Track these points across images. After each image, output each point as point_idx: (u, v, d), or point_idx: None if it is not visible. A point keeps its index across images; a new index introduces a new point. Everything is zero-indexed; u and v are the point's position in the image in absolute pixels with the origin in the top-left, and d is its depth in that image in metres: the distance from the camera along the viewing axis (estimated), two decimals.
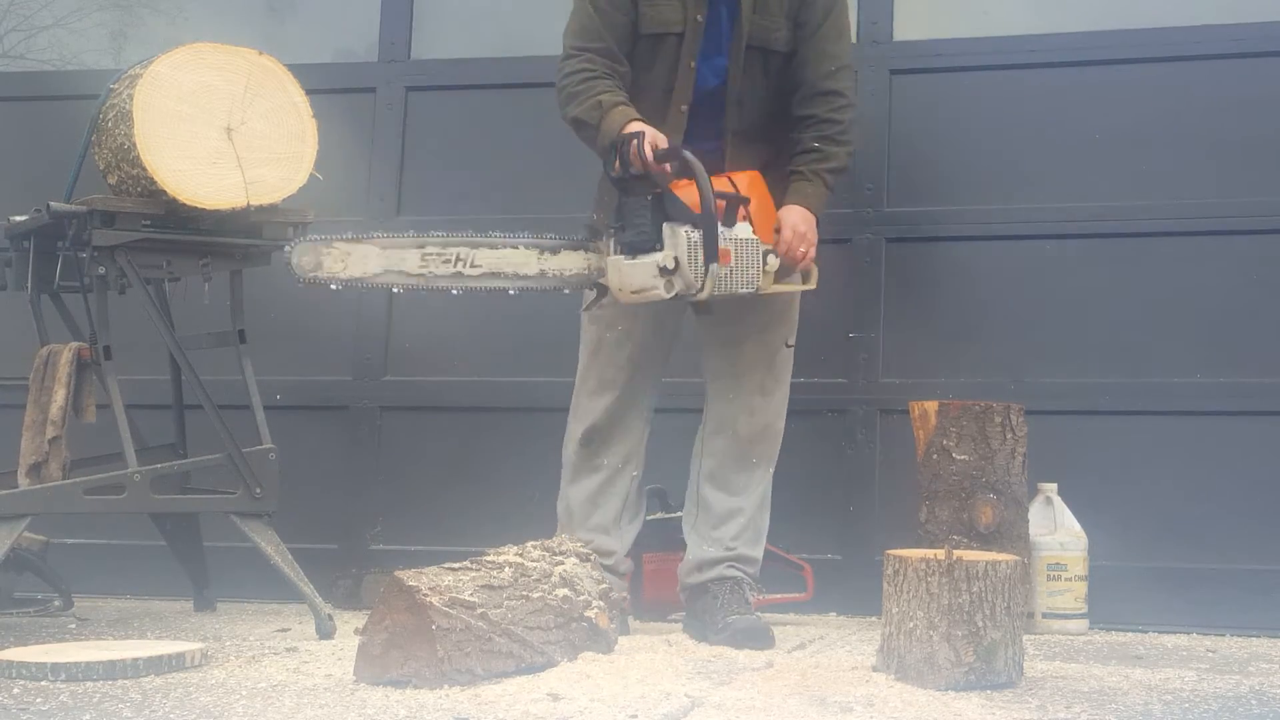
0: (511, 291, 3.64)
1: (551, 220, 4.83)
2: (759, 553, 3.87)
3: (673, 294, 3.41)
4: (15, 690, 2.94)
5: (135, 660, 3.13)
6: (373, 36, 5.10)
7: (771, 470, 3.88)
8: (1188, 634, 4.11)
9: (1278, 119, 4.40)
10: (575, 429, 3.90)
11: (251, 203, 3.92)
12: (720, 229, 3.39)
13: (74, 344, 4.00)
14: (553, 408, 4.66)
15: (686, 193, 3.44)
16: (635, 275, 3.46)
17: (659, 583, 4.24)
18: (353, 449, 4.87)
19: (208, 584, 4.40)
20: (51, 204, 3.82)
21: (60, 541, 4.51)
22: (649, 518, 4.27)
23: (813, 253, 3.63)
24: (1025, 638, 3.22)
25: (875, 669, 3.20)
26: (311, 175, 4.01)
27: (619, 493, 3.86)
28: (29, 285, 4.08)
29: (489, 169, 4.94)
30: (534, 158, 4.91)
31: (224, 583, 4.46)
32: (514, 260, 3.63)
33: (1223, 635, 4.07)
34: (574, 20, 3.79)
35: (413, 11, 5.08)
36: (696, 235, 3.38)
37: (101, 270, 3.83)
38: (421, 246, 3.62)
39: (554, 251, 3.63)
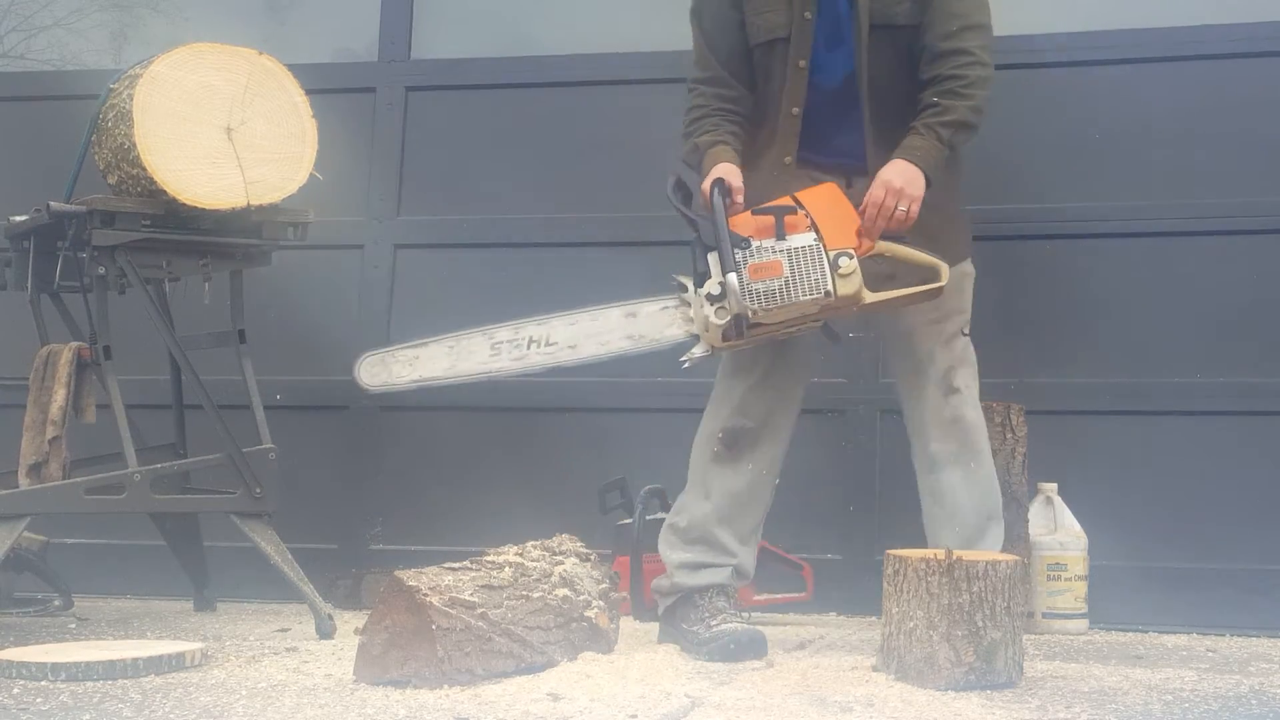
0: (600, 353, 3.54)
1: (551, 220, 4.86)
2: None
3: (725, 321, 3.34)
4: (15, 690, 2.94)
5: (135, 660, 3.13)
6: (373, 36, 5.10)
7: (980, 468, 3.60)
8: (1188, 634, 4.11)
9: (1278, 119, 4.40)
10: (711, 425, 3.67)
11: (251, 203, 3.92)
12: (767, 243, 3.33)
13: (74, 344, 4.00)
14: (553, 408, 4.67)
15: (731, 223, 3.39)
16: (698, 313, 3.39)
17: None
18: (353, 449, 4.87)
19: (208, 584, 4.40)
20: (51, 204, 3.82)
21: (60, 541, 4.51)
22: (649, 517, 4.27)
23: (913, 210, 3.35)
24: (1025, 638, 3.22)
25: (875, 669, 3.20)
26: (311, 175, 4.01)
27: (762, 500, 3.63)
28: (29, 285, 4.09)
29: (489, 169, 4.94)
30: (534, 158, 4.91)
31: (224, 583, 4.46)
32: (594, 330, 3.54)
33: (1223, 635, 4.07)
34: (693, 50, 3.71)
35: (413, 11, 5.08)
36: (740, 256, 3.33)
37: (101, 270, 3.83)
38: (491, 337, 3.58)
39: (637, 314, 3.53)
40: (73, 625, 4.05)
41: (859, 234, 3.37)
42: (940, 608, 3.02)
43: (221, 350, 4.07)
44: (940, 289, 3.40)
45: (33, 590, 4.33)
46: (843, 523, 4.51)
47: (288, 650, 3.57)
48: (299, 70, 4.05)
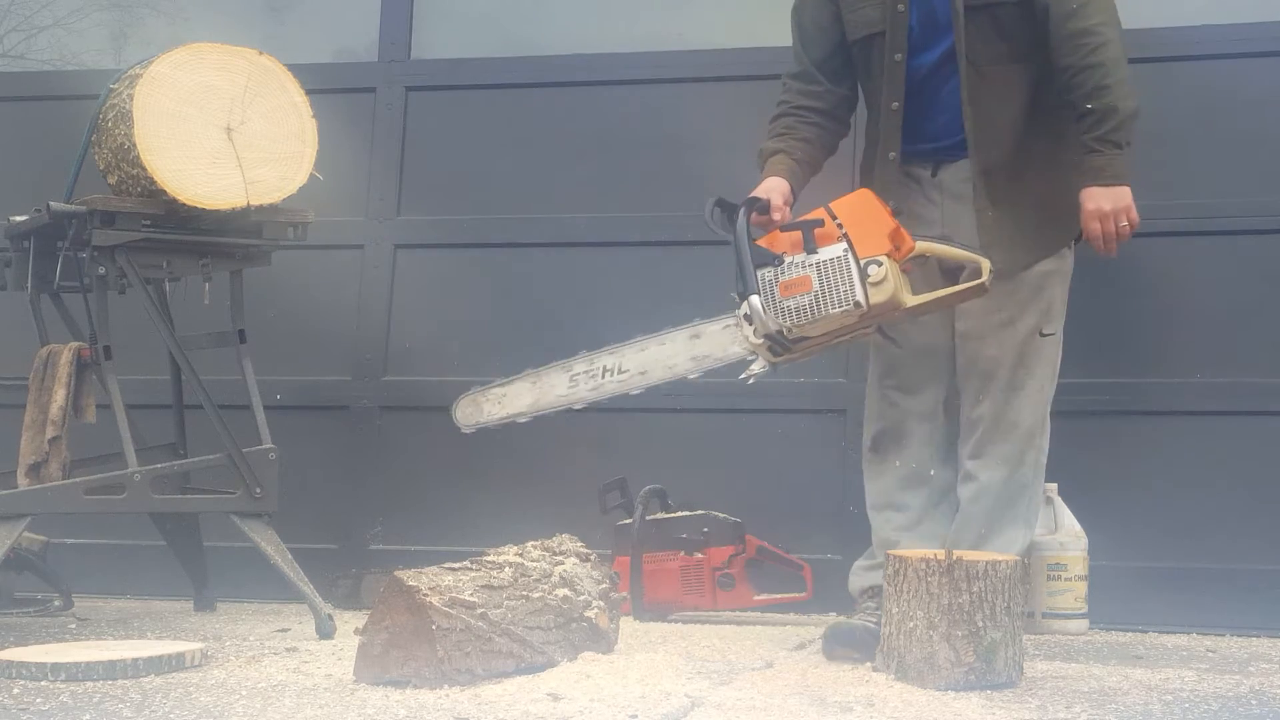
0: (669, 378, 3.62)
1: (551, 220, 4.86)
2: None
3: (763, 337, 3.33)
4: (15, 690, 2.94)
5: (135, 660, 3.14)
6: (373, 36, 5.10)
7: (1025, 476, 3.55)
8: (1187, 634, 4.11)
9: (1278, 119, 4.40)
10: (865, 433, 3.73)
11: (251, 203, 3.92)
12: (798, 258, 3.31)
13: (74, 344, 4.00)
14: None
15: (765, 240, 3.39)
16: (744, 332, 3.39)
17: (659, 583, 4.24)
18: (353, 449, 4.87)
19: (208, 584, 4.40)
20: (51, 204, 3.82)
21: (60, 541, 4.51)
22: (649, 517, 4.28)
23: (1131, 217, 3.37)
24: (1025, 638, 3.22)
25: (875, 669, 3.20)
26: (311, 175, 4.01)
27: (920, 492, 3.63)
28: (29, 285, 4.08)
29: (489, 169, 4.94)
30: (534, 158, 4.91)
31: (224, 582, 4.46)
32: (662, 355, 3.60)
33: (1222, 635, 4.07)
34: (792, 46, 3.72)
35: (413, 11, 5.08)
36: (770, 274, 3.33)
37: (101, 270, 3.83)
38: (569, 369, 3.67)
39: (701, 336, 3.57)
40: (73, 625, 4.05)
41: (893, 237, 3.33)
42: (940, 608, 3.02)
43: (221, 350, 4.08)
44: (984, 286, 3.34)
45: (33, 590, 4.33)
46: (843, 523, 4.50)
47: (288, 650, 3.57)
48: (299, 70, 4.05)
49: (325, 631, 3.81)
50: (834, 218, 3.34)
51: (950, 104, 3.49)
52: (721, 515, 4.28)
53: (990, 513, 3.53)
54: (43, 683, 3.03)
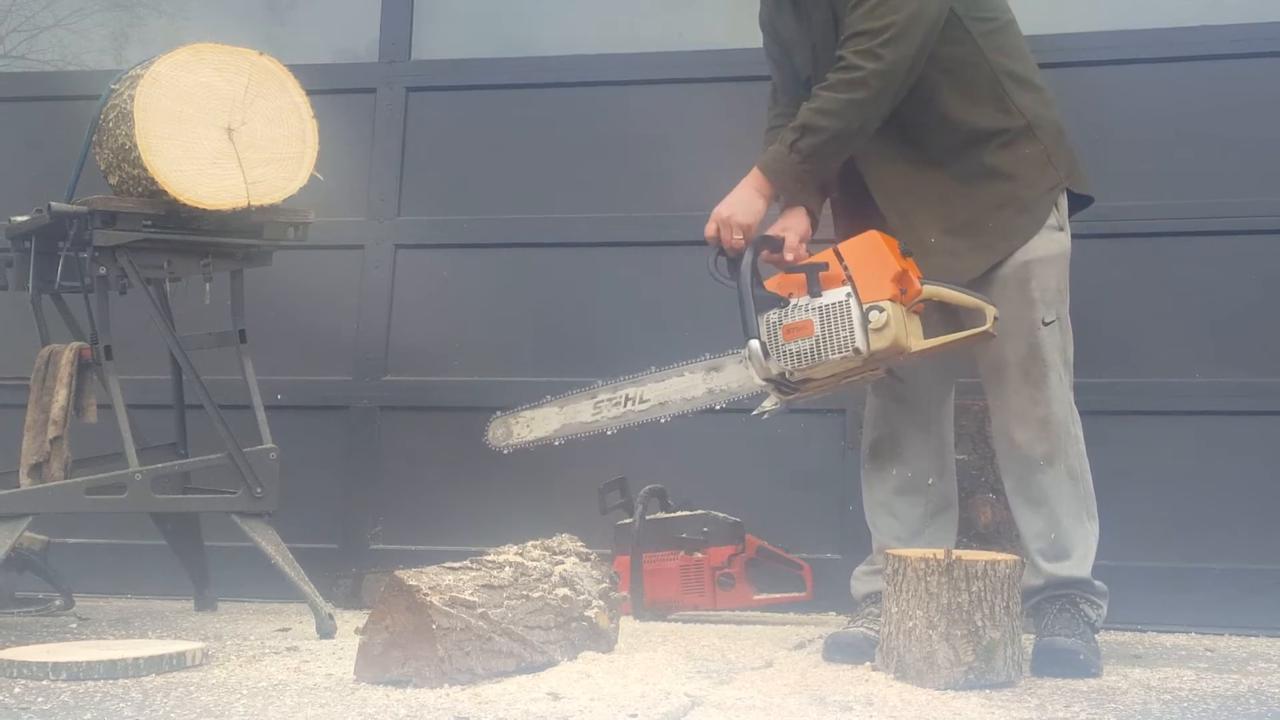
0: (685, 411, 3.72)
1: (551, 220, 4.87)
2: (1085, 570, 3.46)
3: (768, 379, 3.33)
4: (16, 689, 2.95)
5: (136, 659, 3.14)
6: (373, 37, 5.11)
7: (1072, 467, 3.45)
8: (1186, 633, 4.11)
9: (1278, 119, 4.41)
10: (864, 440, 3.72)
11: (252, 203, 3.92)
12: (802, 301, 3.31)
13: (75, 344, 4.01)
14: None
15: (773, 282, 3.40)
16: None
17: (659, 583, 4.25)
18: (353, 449, 4.88)
19: (208, 583, 4.41)
20: (53, 204, 3.82)
21: (61, 541, 4.51)
22: (649, 517, 4.28)
23: (732, 221, 3.38)
24: (1025, 637, 3.22)
25: (875, 668, 3.20)
26: (312, 175, 4.01)
27: (917, 501, 3.61)
28: (30, 285, 4.09)
29: (489, 169, 4.94)
30: (534, 158, 4.91)
31: (225, 582, 4.46)
32: (680, 386, 3.67)
33: (1221, 635, 4.08)
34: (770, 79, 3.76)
35: (413, 11, 5.08)
36: (775, 316, 3.33)
37: (102, 270, 3.83)
38: (593, 397, 3.79)
39: (719, 369, 3.62)
40: (74, 625, 4.05)
41: (897, 281, 3.29)
42: (940, 607, 3.02)
43: (222, 350, 4.08)
44: (989, 333, 3.33)
45: (34, 590, 4.33)
46: (842, 522, 4.50)
47: (288, 649, 3.57)
48: (299, 71, 4.05)
49: (326, 631, 3.82)
50: (840, 260, 3.32)
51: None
52: (721, 515, 4.29)
53: (1055, 513, 3.45)
54: (44, 682, 3.03)
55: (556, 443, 3.99)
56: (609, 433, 3.81)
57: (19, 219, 4.02)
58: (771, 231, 3.47)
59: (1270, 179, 4.39)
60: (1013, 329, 3.42)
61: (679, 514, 4.31)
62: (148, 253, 3.90)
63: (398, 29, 5.06)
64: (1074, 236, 3.71)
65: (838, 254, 3.34)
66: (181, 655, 3.23)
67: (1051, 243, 3.44)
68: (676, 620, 4.22)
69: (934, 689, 3.00)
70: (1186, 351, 4.40)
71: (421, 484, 4.79)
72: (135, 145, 3.81)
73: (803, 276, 3.33)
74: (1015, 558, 3.18)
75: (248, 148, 3.93)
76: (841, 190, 3.58)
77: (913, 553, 3.13)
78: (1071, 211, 3.54)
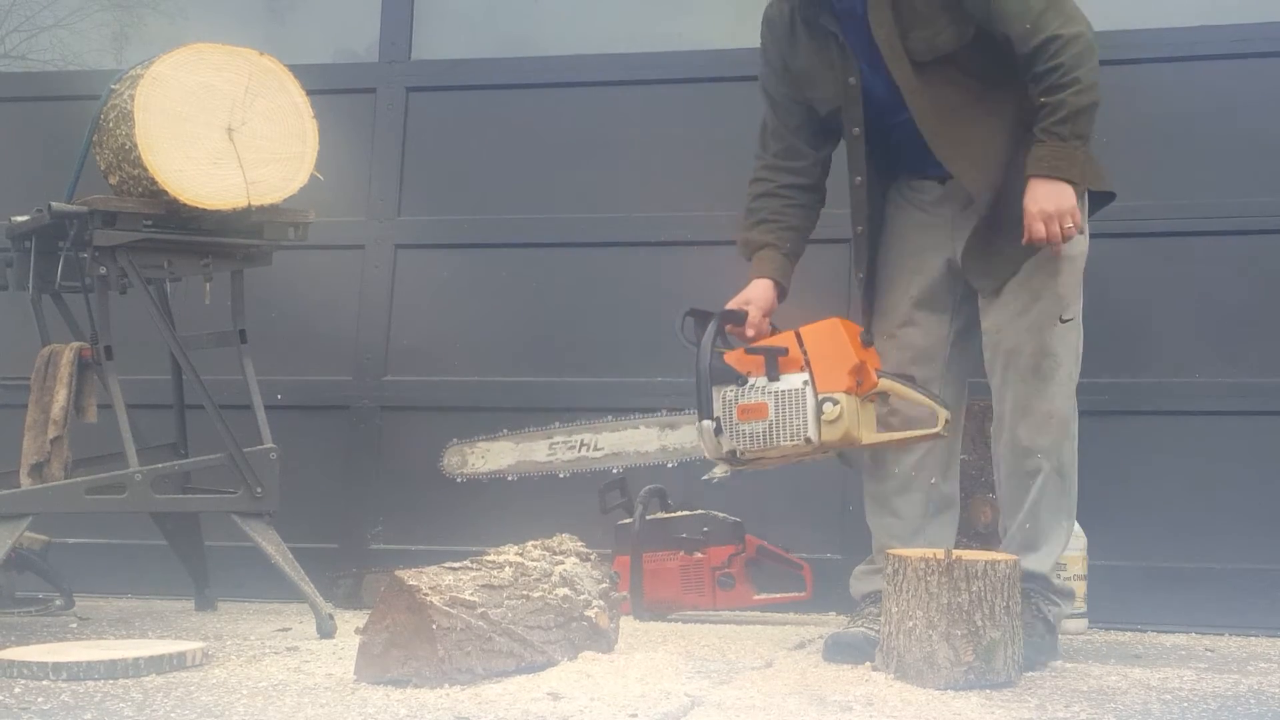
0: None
1: (551, 220, 4.87)
2: (1046, 566, 3.49)
3: (718, 457, 3.35)
4: (16, 689, 2.95)
5: (136, 659, 3.14)
6: (373, 36, 5.11)
7: (1064, 465, 3.46)
8: (1186, 633, 4.11)
9: (1278, 119, 4.41)
10: None
11: (253, 203, 3.92)
12: (759, 381, 3.32)
13: (75, 344, 4.00)
14: (553, 408, 4.68)
15: (732, 356, 3.40)
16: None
17: (659, 583, 4.25)
18: (353, 449, 4.88)
19: (208, 583, 4.41)
20: (53, 204, 3.82)
21: (61, 541, 4.51)
22: (649, 517, 4.28)
23: (1075, 219, 3.29)
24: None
25: (875, 668, 3.20)
26: (312, 175, 4.01)
27: (918, 500, 3.60)
28: (30, 285, 4.09)
29: (489, 169, 4.94)
30: (535, 158, 4.92)
31: (225, 582, 4.47)
32: (635, 439, 3.74)
33: (1221, 635, 4.08)
34: (764, 122, 3.67)
35: (413, 11, 5.08)
36: (732, 394, 3.34)
37: (103, 270, 3.83)
38: (549, 437, 3.86)
39: (674, 427, 3.68)
40: (74, 625, 4.05)
41: (854, 373, 3.32)
42: (939, 607, 3.02)
43: (222, 350, 4.08)
44: (937, 434, 3.39)
45: (34, 590, 4.33)
46: (842, 523, 4.50)
47: (289, 649, 3.57)
48: (300, 71, 4.05)
49: (326, 631, 3.82)
50: (801, 345, 3.34)
51: (923, 152, 3.47)
52: (721, 515, 4.29)
53: (1036, 505, 3.48)
54: (44, 682, 3.03)
55: (510, 478, 4.08)
56: (561, 475, 3.90)
57: (19, 219, 4.02)
58: (734, 305, 3.49)
59: (1270, 179, 4.39)
60: (1032, 322, 3.43)
61: (679, 514, 4.31)
62: (148, 253, 3.90)
63: (398, 29, 5.06)
64: None
65: (799, 338, 3.36)
66: (181, 655, 3.23)
67: (1076, 242, 3.45)
68: (676, 620, 4.22)
69: (934, 689, 3.00)
70: (1187, 351, 4.40)
71: (421, 484, 4.78)
72: (135, 145, 3.81)
73: (756, 360, 3.33)
74: (1015, 557, 3.18)
75: (248, 148, 3.93)
76: (869, 224, 3.56)
77: (913, 553, 3.13)
78: (1095, 209, 3.55)
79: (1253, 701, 3.02)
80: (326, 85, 4.48)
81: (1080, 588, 4.12)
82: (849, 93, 3.49)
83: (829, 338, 3.37)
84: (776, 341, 3.38)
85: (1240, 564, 4.25)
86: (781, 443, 3.32)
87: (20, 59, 5.81)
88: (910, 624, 3.06)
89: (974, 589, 3.02)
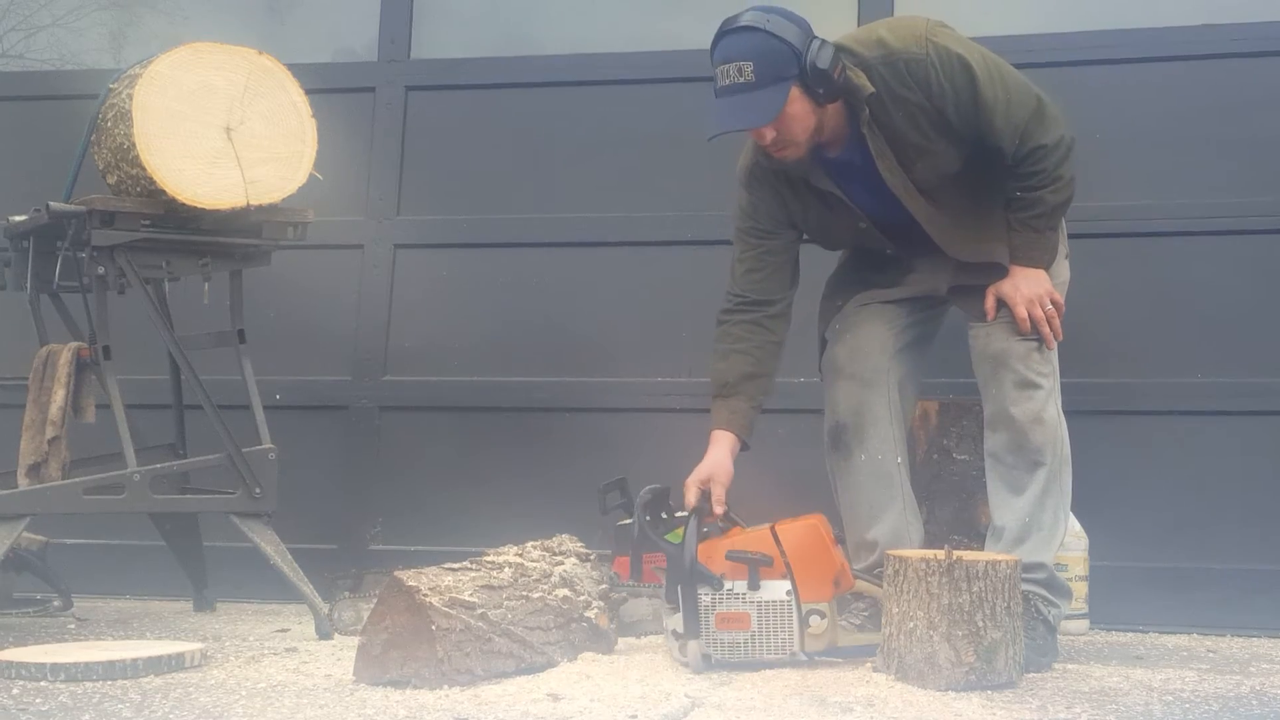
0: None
1: (551, 220, 4.86)
2: (1046, 556, 3.49)
3: (687, 661, 3.26)
4: (15, 690, 2.94)
5: (135, 660, 3.13)
6: (372, 36, 5.10)
7: (1055, 468, 3.48)
8: (1188, 634, 4.11)
9: (1278, 119, 4.40)
10: (824, 428, 3.71)
11: (251, 202, 3.91)
12: (739, 587, 3.25)
13: (73, 344, 4.00)
14: (552, 408, 4.68)
15: (704, 551, 3.29)
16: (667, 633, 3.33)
17: (659, 583, 4.23)
18: (353, 449, 4.87)
19: (207, 584, 4.40)
20: (51, 204, 3.81)
21: (60, 541, 4.50)
22: (649, 518, 4.26)
23: (1054, 297, 3.45)
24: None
25: (875, 669, 3.20)
26: (311, 175, 4.01)
27: (891, 484, 3.60)
28: (28, 285, 4.08)
29: (489, 169, 4.94)
30: (535, 158, 4.91)
31: (223, 583, 4.46)
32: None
33: (1223, 635, 4.07)
34: (738, 257, 3.66)
35: (413, 11, 5.07)
36: (709, 600, 3.24)
37: (101, 270, 3.83)
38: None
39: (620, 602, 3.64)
40: (72, 625, 4.05)
41: (835, 581, 3.29)
42: (940, 608, 3.02)
43: (221, 350, 4.07)
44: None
45: (32, 590, 4.33)
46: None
47: (287, 650, 3.57)
48: (299, 70, 4.05)
49: (325, 632, 3.81)
50: (781, 551, 3.27)
51: (920, 236, 3.56)
52: None
53: (1030, 507, 3.48)
54: (42, 683, 3.03)
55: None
56: None
57: (17, 219, 4.01)
58: (694, 479, 3.43)
59: (1269, 179, 4.39)
60: (1015, 327, 3.48)
61: (679, 513, 4.30)
62: (146, 252, 3.90)
63: (397, 28, 5.06)
64: (1071, 236, 3.72)
65: (777, 541, 3.28)
66: (180, 656, 3.22)
67: (1062, 269, 3.61)
68: None
69: (935, 690, 2.99)
70: (1185, 351, 4.39)
71: (421, 484, 4.78)
72: (134, 144, 3.80)
73: (736, 566, 3.25)
74: (1015, 558, 3.17)
75: (246, 147, 3.92)
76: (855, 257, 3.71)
77: (913, 553, 3.12)
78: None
79: (1255, 703, 3.01)
80: (325, 84, 4.47)
81: (1081, 588, 4.11)
82: (861, 234, 3.62)
83: (811, 541, 3.31)
84: (751, 542, 3.29)
85: (1242, 564, 4.25)
86: (765, 655, 3.24)
87: (18, 58, 5.81)
88: (911, 625, 3.06)
89: (975, 589, 3.02)
